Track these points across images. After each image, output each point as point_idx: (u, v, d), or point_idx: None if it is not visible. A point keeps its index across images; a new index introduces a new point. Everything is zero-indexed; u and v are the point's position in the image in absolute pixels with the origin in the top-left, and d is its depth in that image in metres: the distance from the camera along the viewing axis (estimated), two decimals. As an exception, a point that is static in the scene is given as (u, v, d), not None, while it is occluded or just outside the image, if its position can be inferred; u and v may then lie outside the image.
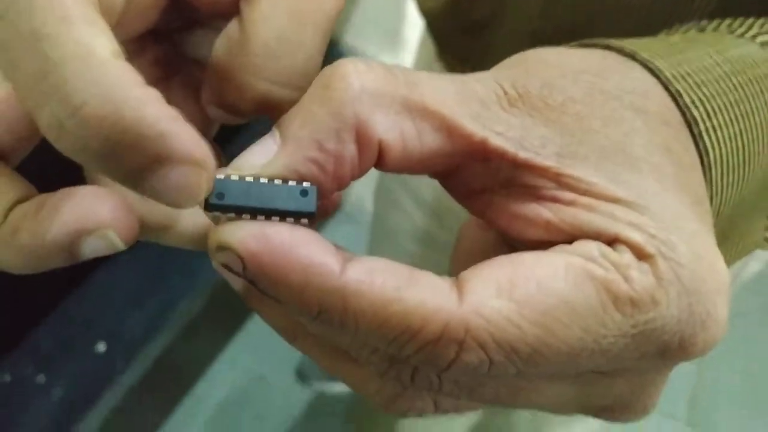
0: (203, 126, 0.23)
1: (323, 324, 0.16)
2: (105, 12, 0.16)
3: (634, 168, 0.17)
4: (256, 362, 1.31)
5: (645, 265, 0.16)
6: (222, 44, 0.19)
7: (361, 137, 0.17)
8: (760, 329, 1.36)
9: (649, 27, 0.37)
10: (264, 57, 0.18)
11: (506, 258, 0.17)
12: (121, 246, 0.16)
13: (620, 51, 0.20)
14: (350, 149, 0.17)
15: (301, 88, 0.19)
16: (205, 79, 0.20)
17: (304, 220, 0.17)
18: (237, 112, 0.20)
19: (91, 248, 0.16)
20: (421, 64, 0.65)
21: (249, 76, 0.19)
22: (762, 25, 0.24)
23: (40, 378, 0.73)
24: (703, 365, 1.25)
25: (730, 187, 0.20)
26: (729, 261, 0.24)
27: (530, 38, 0.43)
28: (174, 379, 1.20)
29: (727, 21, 0.25)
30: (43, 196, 0.17)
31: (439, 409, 0.19)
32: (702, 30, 0.25)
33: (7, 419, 0.67)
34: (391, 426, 0.88)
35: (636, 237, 0.16)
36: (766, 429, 1.30)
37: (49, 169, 0.27)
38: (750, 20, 0.24)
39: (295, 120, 0.17)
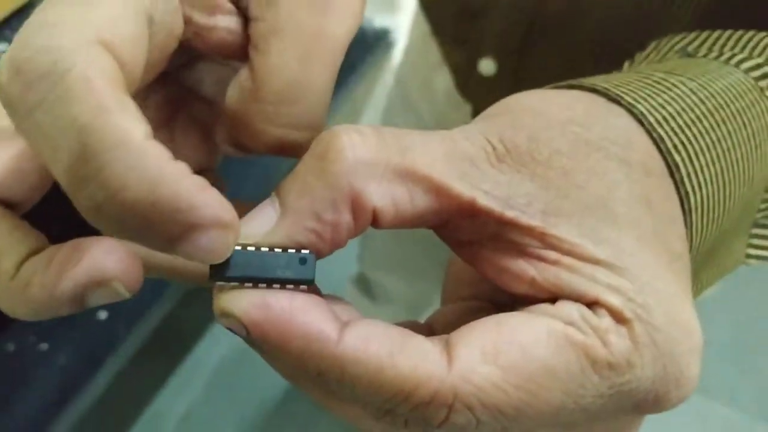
0: (208, 157, 0.25)
1: (322, 387, 0.17)
2: (129, 81, 0.17)
3: (614, 225, 0.18)
4: (255, 323, 1.33)
5: (623, 329, 0.17)
6: (234, 92, 0.20)
7: (356, 206, 0.17)
8: (748, 290, 1.37)
9: (641, 17, 0.36)
10: (277, 104, 0.19)
11: (492, 321, 0.18)
12: (126, 296, 0.17)
13: (605, 95, 0.20)
14: (346, 218, 0.18)
15: (314, 128, 0.20)
16: (220, 122, 0.21)
17: (303, 287, 0.18)
18: (252, 153, 0.21)
19: (98, 298, 0.17)
20: (415, 36, 0.64)
21: (265, 124, 0.20)
22: (752, 47, 0.24)
23: (43, 346, 0.74)
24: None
25: (711, 224, 0.21)
26: (709, 283, 0.25)
27: (526, 26, 0.42)
28: (175, 342, 1.22)
29: (714, 38, 0.25)
30: (53, 248, 0.18)
31: None
32: (690, 55, 0.25)
33: (11, 387, 0.69)
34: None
35: (615, 301, 0.17)
36: (755, 384, 1.33)
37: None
38: (738, 36, 0.25)
39: (293, 190, 0.18)
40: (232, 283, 0.17)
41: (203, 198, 0.15)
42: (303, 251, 0.18)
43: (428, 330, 0.22)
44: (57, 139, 0.15)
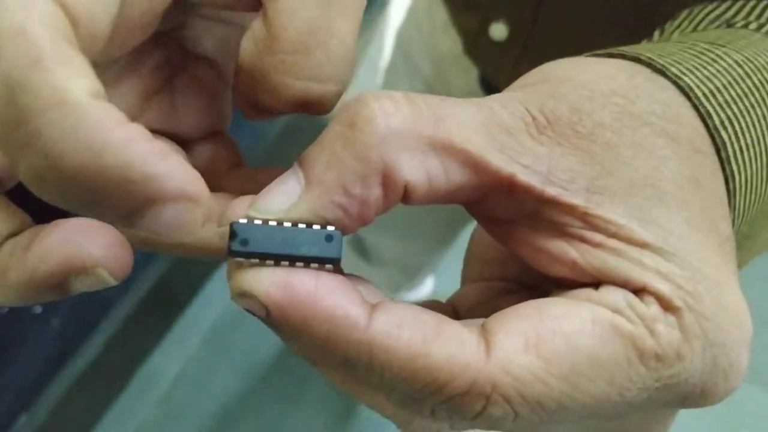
0: (216, 120, 0.23)
1: (347, 373, 0.16)
2: (87, 40, 0.15)
3: (663, 205, 0.17)
4: (249, 283, 1.33)
5: (671, 318, 0.16)
6: (248, 45, 0.18)
7: (387, 180, 0.16)
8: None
9: None
10: (296, 53, 0.17)
11: (532, 308, 0.16)
12: (113, 282, 0.16)
13: (649, 65, 0.19)
14: (376, 193, 0.16)
15: (339, 80, 0.18)
16: (235, 83, 0.19)
17: (329, 266, 0.16)
18: (274, 113, 0.19)
19: (82, 286, 0.16)
20: None
21: (283, 76, 0.18)
22: None
23: (37, 309, 0.74)
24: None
25: (753, 205, 0.20)
26: (742, 264, 0.24)
27: None
28: (168, 303, 1.22)
29: (750, 6, 0.24)
30: (34, 229, 0.16)
31: (453, 429, 0.19)
32: (730, 25, 0.23)
33: (6, 350, 0.68)
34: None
35: (664, 288, 0.16)
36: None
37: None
38: None
39: (320, 161, 0.16)
40: (252, 260, 0.16)
41: (161, 167, 0.13)
42: (329, 228, 0.16)
43: (452, 311, 0.21)
44: None
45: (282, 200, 0.16)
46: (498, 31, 0.46)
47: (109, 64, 0.20)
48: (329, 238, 0.16)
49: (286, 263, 0.16)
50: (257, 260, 0.16)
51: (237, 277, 0.16)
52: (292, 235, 0.16)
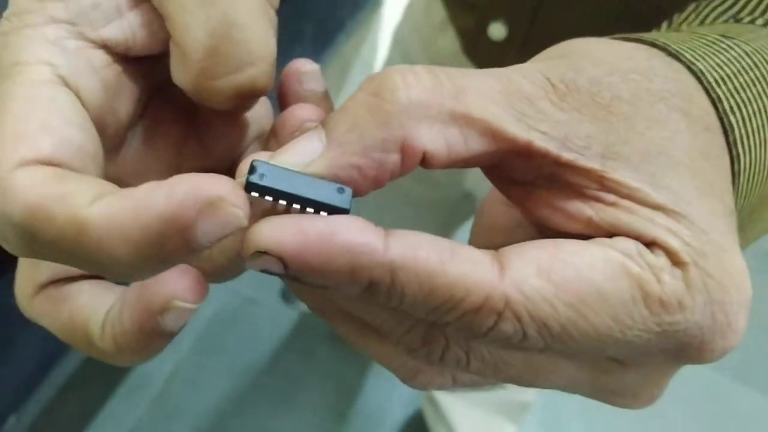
0: (251, 135, 0.24)
1: (370, 298, 0.17)
2: (87, 161, 0.18)
3: (675, 172, 0.18)
4: (243, 283, 1.32)
5: (678, 271, 0.17)
6: (175, 68, 0.19)
7: (406, 148, 0.17)
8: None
9: None
10: (208, 58, 0.19)
11: (548, 242, 0.17)
12: (192, 307, 0.18)
13: (665, 50, 0.20)
14: (393, 158, 0.17)
15: (258, 58, 0.19)
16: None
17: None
18: (233, 109, 0.20)
19: (172, 322, 0.18)
20: None
21: (209, 82, 0.19)
22: None
23: (27, 309, 0.73)
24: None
25: (754, 187, 0.21)
26: (743, 246, 0.24)
27: None
28: (161, 302, 1.22)
29: (755, 2, 0.24)
30: (122, 295, 0.19)
31: (456, 383, 0.20)
32: (738, 21, 0.24)
33: (-4, 350, 0.68)
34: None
35: (673, 243, 0.17)
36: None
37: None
38: None
39: (342, 124, 0.17)
40: (266, 200, 0.17)
41: (173, 204, 0.15)
42: (341, 185, 0.17)
43: None
44: (58, 256, 0.16)
45: (302, 155, 0.17)
46: (496, 30, 0.46)
47: (128, 139, 0.22)
48: (341, 190, 0.17)
49: (298, 207, 0.17)
50: (270, 199, 0.16)
51: (249, 238, 0.16)
52: (306, 182, 0.17)
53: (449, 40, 0.56)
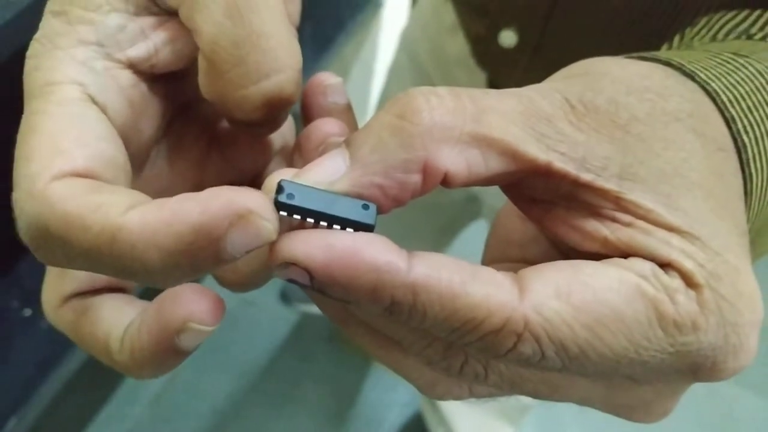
0: (275, 146, 0.25)
1: (391, 316, 0.17)
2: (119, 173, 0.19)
3: (690, 194, 0.18)
4: (241, 284, 1.32)
5: (692, 293, 0.17)
6: (202, 82, 0.20)
7: (428, 168, 0.17)
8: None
9: None
10: (233, 67, 0.19)
11: (566, 263, 0.18)
12: (209, 329, 0.18)
13: (680, 69, 0.20)
14: (415, 178, 0.17)
15: (286, 65, 0.20)
16: (215, 114, 0.22)
17: (363, 233, 0.17)
18: (257, 123, 0.21)
19: (188, 341, 0.18)
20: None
21: (237, 91, 0.19)
22: None
23: (27, 312, 0.73)
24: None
25: (765, 207, 0.21)
26: (752, 261, 0.25)
27: None
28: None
29: (766, 18, 0.25)
30: (142, 312, 0.20)
31: (473, 394, 0.21)
32: (750, 37, 0.25)
33: (-5, 353, 0.68)
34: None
35: (688, 265, 0.17)
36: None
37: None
38: None
39: (367, 144, 0.17)
40: (294, 218, 0.17)
41: (205, 215, 0.16)
42: (366, 202, 0.17)
43: None
44: (90, 265, 0.17)
45: (327, 174, 0.17)
46: (507, 38, 0.46)
47: (152, 157, 0.23)
48: (365, 207, 0.17)
49: (324, 224, 0.17)
50: (299, 217, 0.17)
51: (278, 248, 0.17)
52: (332, 200, 0.17)
53: (459, 45, 0.56)
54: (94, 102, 0.19)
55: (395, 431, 1.22)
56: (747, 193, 0.20)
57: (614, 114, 0.18)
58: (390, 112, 0.18)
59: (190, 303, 0.18)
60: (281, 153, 0.25)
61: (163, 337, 0.18)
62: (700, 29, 0.27)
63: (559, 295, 0.17)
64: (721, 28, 0.26)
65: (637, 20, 0.39)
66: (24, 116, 0.18)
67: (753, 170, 0.20)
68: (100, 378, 1.14)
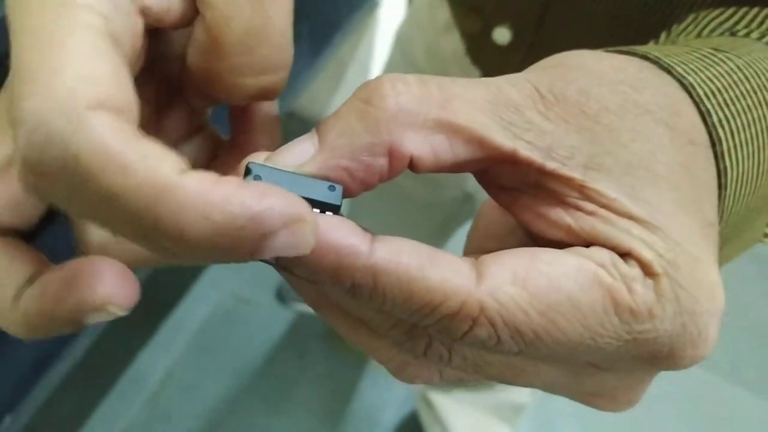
0: (199, 119, 0.24)
1: (353, 298, 0.18)
2: (132, 117, 0.16)
3: (654, 186, 0.18)
4: (237, 284, 1.32)
5: (649, 281, 0.18)
6: (195, 52, 0.20)
7: (393, 152, 0.18)
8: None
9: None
10: (241, 55, 0.19)
11: (526, 250, 0.18)
12: (122, 313, 0.17)
13: (657, 63, 0.21)
14: (381, 162, 0.18)
15: (286, 65, 0.20)
16: (185, 80, 0.21)
17: (329, 213, 0.18)
18: (231, 104, 0.21)
19: (96, 318, 0.17)
20: None
21: (236, 78, 0.19)
22: None
23: (22, 310, 0.73)
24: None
25: (741, 200, 0.21)
26: (729, 258, 0.26)
27: None
28: (156, 303, 1.21)
29: (753, 14, 0.25)
30: (47, 277, 0.18)
31: (443, 379, 0.21)
32: (734, 34, 0.25)
33: (-10, 351, 0.68)
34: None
35: (646, 254, 0.18)
36: (728, 346, 1.36)
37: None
38: None
39: (334, 129, 0.18)
40: None
41: (265, 205, 0.15)
42: (332, 183, 0.18)
43: None
44: (102, 210, 0.15)
45: (295, 157, 0.18)
46: (501, 35, 0.46)
47: None
48: (332, 188, 0.18)
49: None
50: None
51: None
52: (300, 181, 0.18)
53: (453, 43, 0.56)
54: (115, 40, 0.17)
55: (391, 430, 1.22)
56: (722, 185, 0.20)
57: (584, 104, 0.18)
58: (357, 97, 0.18)
59: (113, 284, 0.17)
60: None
61: (71, 311, 0.17)
62: (687, 26, 0.27)
63: (515, 281, 0.17)
64: (707, 25, 0.26)
65: (631, 17, 0.39)
66: (26, 25, 0.16)
67: (728, 163, 0.20)
68: (96, 377, 1.14)
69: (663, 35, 0.28)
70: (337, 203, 0.18)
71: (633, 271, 0.17)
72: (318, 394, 1.24)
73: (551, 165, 0.18)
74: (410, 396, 1.24)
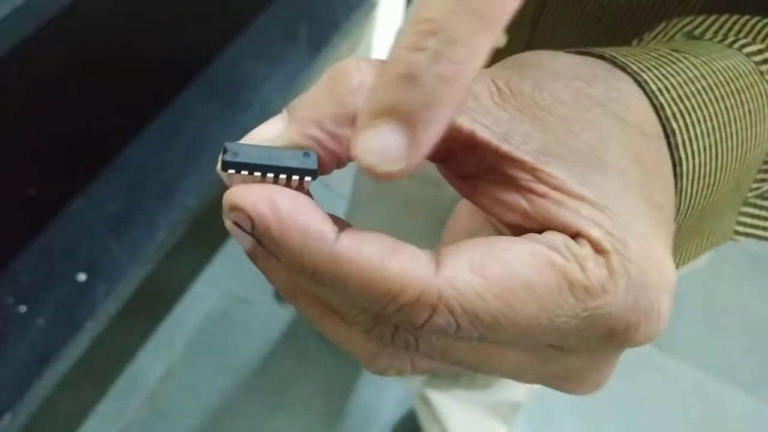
0: None
1: (316, 284, 0.18)
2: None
3: (602, 171, 0.19)
4: (235, 283, 1.32)
5: (600, 259, 0.18)
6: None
7: None
8: (719, 255, 1.40)
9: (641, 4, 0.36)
10: None
11: (483, 240, 0.19)
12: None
13: (612, 62, 0.22)
14: (347, 132, 0.19)
15: None
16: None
17: (308, 178, 0.19)
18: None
19: None
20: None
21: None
22: (756, 33, 0.25)
23: (22, 308, 0.73)
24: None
25: (701, 192, 0.22)
26: (698, 253, 0.27)
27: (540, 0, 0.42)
28: (155, 302, 1.22)
29: (721, 22, 0.26)
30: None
31: (415, 369, 0.21)
32: (696, 37, 0.26)
33: (-10, 350, 0.68)
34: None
35: (595, 234, 0.18)
36: (723, 345, 1.37)
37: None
38: (743, 22, 0.26)
39: (303, 104, 0.19)
40: (242, 173, 0.19)
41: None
42: (306, 150, 0.19)
43: None
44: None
45: (268, 132, 0.19)
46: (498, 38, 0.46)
47: None
48: (306, 155, 0.19)
49: (271, 175, 0.19)
50: (246, 173, 0.19)
51: (229, 194, 0.18)
52: (275, 153, 0.19)
53: None
54: None
55: (388, 429, 1.23)
56: (677, 175, 0.21)
57: (538, 96, 0.20)
58: (325, 77, 0.19)
59: None
60: None
61: None
62: (658, 33, 0.28)
63: (472, 269, 0.18)
64: (676, 32, 0.27)
65: (624, 21, 0.39)
66: None
67: (682, 154, 0.21)
68: (94, 376, 1.14)
69: (635, 42, 0.29)
70: (313, 167, 0.19)
71: (584, 250, 0.18)
72: (316, 393, 1.25)
73: (506, 147, 0.19)
74: (408, 395, 1.24)
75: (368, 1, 1.10)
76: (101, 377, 1.17)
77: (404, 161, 0.16)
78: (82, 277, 0.76)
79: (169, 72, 0.95)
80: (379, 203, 0.79)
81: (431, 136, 0.17)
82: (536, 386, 0.98)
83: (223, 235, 1.32)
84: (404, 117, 0.16)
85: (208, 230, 1.15)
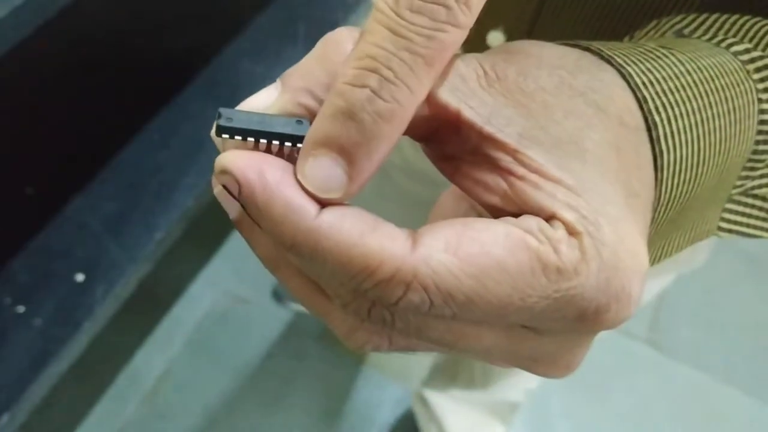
0: None
1: (296, 256, 0.19)
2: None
3: (580, 158, 0.20)
4: (234, 283, 1.32)
5: (574, 241, 0.19)
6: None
7: None
8: (717, 255, 1.40)
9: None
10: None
11: (459, 221, 0.19)
12: None
13: (598, 54, 0.22)
14: None
15: None
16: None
17: (300, 145, 0.19)
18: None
19: None
20: None
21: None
22: (744, 32, 0.26)
23: (20, 309, 0.73)
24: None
25: (683, 185, 0.22)
26: (681, 247, 0.27)
27: (538, 1, 0.42)
28: (153, 302, 1.22)
29: (710, 21, 0.26)
30: None
31: (393, 346, 0.22)
32: (685, 36, 0.26)
33: (-12, 350, 0.68)
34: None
35: (569, 216, 0.19)
36: (720, 346, 1.37)
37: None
38: (733, 21, 0.26)
39: (295, 73, 0.20)
40: (236, 138, 0.19)
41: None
42: (299, 118, 0.19)
43: None
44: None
45: (262, 100, 0.20)
46: (495, 39, 0.47)
47: None
48: (299, 122, 0.19)
49: (264, 141, 0.19)
50: (240, 138, 0.19)
51: (220, 158, 0.19)
52: (269, 120, 0.19)
53: None
54: None
55: (386, 429, 1.23)
56: (658, 167, 0.21)
57: (522, 83, 0.20)
58: (317, 47, 0.20)
59: None
60: None
61: None
62: (648, 31, 0.28)
63: (447, 249, 0.18)
64: (666, 30, 0.27)
65: (623, 20, 0.39)
66: None
67: (663, 147, 0.21)
68: (92, 376, 1.14)
69: (626, 39, 0.29)
70: (305, 134, 0.19)
71: (558, 233, 0.19)
72: (314, 392, 1.25)
73: (489, 129, 0.19)
74: (406, 395, 1.24)
75: (366, 1, 1.10)
76: (99, 377, 1.17)
77: (342, 191, 0.18)
78: (80, 277, 0.76)
79: (167, 72, 0.95)
80: (379, 203, 0.80)
81: (369, 168, 0.18)
82: (534, 386, 0.99)
83: (222, 235, 1.32)
84: (343, 150, 0.18)
85: (206, 230, 1.15)
